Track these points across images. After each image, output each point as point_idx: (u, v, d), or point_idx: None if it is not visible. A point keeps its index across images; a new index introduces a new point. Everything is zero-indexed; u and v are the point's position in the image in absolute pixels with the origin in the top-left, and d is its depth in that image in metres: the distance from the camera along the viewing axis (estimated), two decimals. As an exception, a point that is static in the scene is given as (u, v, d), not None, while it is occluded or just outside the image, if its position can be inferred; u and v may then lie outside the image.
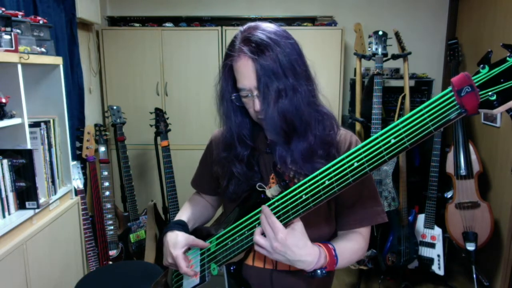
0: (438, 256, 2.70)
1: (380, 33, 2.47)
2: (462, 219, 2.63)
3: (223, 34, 3.17)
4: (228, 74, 0.94)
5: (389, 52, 2.53)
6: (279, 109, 0.88)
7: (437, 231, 2.72)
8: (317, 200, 0.80)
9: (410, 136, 0.70)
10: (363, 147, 0.75)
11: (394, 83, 3.27)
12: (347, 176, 0.76)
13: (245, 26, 0.93)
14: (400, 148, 0.71)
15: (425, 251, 2.74)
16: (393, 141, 0.72)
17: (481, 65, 0.65)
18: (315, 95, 0.95)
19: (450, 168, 2.70)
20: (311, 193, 0.80)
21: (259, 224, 0.88)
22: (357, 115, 2.69)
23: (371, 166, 0.74)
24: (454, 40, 2.81)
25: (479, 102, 0.64)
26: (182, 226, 1.08)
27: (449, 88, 0.67)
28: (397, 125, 0.72)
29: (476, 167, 2.64)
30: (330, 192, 0.78)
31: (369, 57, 2.55)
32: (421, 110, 0.70)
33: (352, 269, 2.86)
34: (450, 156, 2.71)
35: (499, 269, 2.59)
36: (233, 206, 1.02)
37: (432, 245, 2.72)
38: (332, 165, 0.79)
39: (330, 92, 3.12)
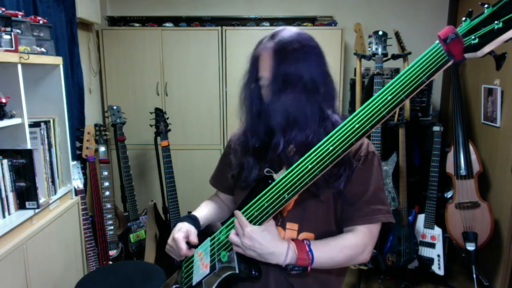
0: (438, 256, 2.70)
1: (380, 33, 2.47)
2: (462, 219, 2.63)
3: (223, 34, 3.17)
4: (254, 65, 1.00)
5: (389, 52, 2.53)
6: (284, 102, 0.94)
7: (437, 231, 2.72)
8: (322, 166, 0.84)
9: (405, 89, 0.77)
10: (362, 109, 0.82)
11: (394, 83, 3.27)
12: (349, 138, 0.82)
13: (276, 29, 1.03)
14: (397, 101, 0.78)
15: (425, 251, 2.74)
16: (389, 97, 0.79)
17: (463, 18, 0.73)
18: (328, 99, 0.99)
19: (450, 168, 2.70)
20: (316, 161, 0.85)
21: (257, 210, 0.93)
22: (357, 115, 2.69)
23: (371, 124, 0.80)
24: (454, 40, 2.80)
25: (463, 46, 0.71)
26: (193, 219, 1.12)
27: (436, 42, 0.74)
28: (392, 83, 0.79)
29: (476, 167, 2.64)
30: (334, 156, 0.84)
31: (369, 57, 2.55)
32: (412, 66, 0.77)
33: (352, 269, 2.86)
34: (450, 156, 2.71)
35: (499, 269, 2.60)
36: (243, 194, 1.03)
37: (432, 245, 2.72)
38: (334, 133, 0.84)
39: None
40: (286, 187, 0.89)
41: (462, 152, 2.66)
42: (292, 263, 0.90)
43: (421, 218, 2.76)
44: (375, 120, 0.80)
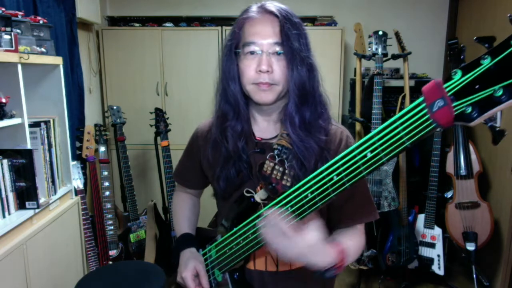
0: (438, 256, 2.70)
1: (380, 33, 2.47)
2: (462, 219, 2.63)
3: (223, 34, 3.16)
4: (238, 31, 0.92)
5: (389, 52, 2.52)
6: (299, 75, 0.89)
7: (437, 231, 2.71)
8: (303, 215, 0.78)
9: (386, 151, 0.66)
10: (341, 159, 0.72)
11: (394, 83, 3.27)
12: (328, 191, 0.74)
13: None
14: (378, 163, 0.67)
15: (425, 251, 2.74)
16: (369, 155, 0.67)
17: (453, 71, 0.57)
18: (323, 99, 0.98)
19: (450, 168, 2.70)
20: (296, 206, 0.79)
21: (255, 231, 0.86)
22: (357, 115, 2.69)
23: (351, 182, 0.71)
24: (454, 40, 2.81)
25: (453, 116, 0.57)
26: (192, 241, 1.09)
27: (422, 98, 0.61)
28: (372, 137, 0.67)
29: (476, 167, 2.64)
30: (314, 207, 0.77)
31: (369, 57, 2.55)
32: (395, 121, 0.65)
33: (352, 269, 2.86)
34: (450, 156, 2.71)
35: (499, 269, 2.59)
36: (226, 205, 1.02)
37: (432, 245, 2.72)
38: (312, 177, 0.76)
39: (330, 92, 3.08)
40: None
41: (462, 152, 2.66)
42: (330, 269, 0.82)
43: (421, 218, 2.76)
44: (354, 179, 0.70)
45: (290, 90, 0.90)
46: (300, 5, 3.44)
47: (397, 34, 2.63)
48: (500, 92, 0.51)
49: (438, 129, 0.61)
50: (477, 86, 0.54)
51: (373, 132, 0.68)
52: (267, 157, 0.92)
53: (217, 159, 1.00)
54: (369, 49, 2.52)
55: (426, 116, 0.59)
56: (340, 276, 2.94)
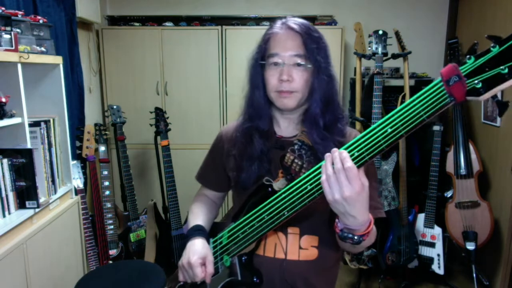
0: (438, 255, 2.70)
1: (380, 32, 2.47)
2: (462, 218, 2.63)
3: (223, 34, 3.16)
4: (263, 45, 1.03)
5: (389, 51, 2.52)
6: (319, 85, 0.99)
7: (437, 230, 2.72)
8: (321, 190, 0.81)
9: (405, 125, 0.75)
10: (362, 137, 0.79)
11: (394, 82, 3.27)
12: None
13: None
14: (396, 136, 0.76)
15: (425, 251, 2.74)
16: (389, 130, 0.76)
17: (467, 56, 0.69)
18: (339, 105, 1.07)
19: (450, 167, 2.70)
20: (316, 183, 0.83)
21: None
22: (357, 114, 2.69)
23: (370, 155, 0.78)
24: (454, 40, 2.81)
25: (466, 90, 0.69)
26: (204, 233, 1.12)
27: (439, 79, 0.71)
28: (393, 115, 0.76)
29: (476, 166, 2.64)
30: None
31: (369, 56, 2.55)
32: (413, 100, 0.74)
33: (352, 269, 2.86)
34: (450, 156, 2.71)
35: (499, 269, 2.60)
36: (242, 198, 1.05)
37: (432, 245, 2.72)
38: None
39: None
40: (286, 205, 0.88)
41: (462, 151, 2.66)
42: (355, 232, 0.84)
43: (421, 217, 2.76)
44: (374, 153, 0.78)
45: (312, 99, 1.01)
46: (300, 5, 3.44)
47: (397, 34, 2.63)
48: (506, 70, 0.64)
49: (451, 103, 0.71)
50: (487, 68, 0.67)
51: (394, 111, 0.76)
52: (288, 149, 1.01)
53: (242, 156, 1.07)
54: (369, 48, 2.52)
55: (443, 92, 0.71)
56: (340, 276, 2.93)
